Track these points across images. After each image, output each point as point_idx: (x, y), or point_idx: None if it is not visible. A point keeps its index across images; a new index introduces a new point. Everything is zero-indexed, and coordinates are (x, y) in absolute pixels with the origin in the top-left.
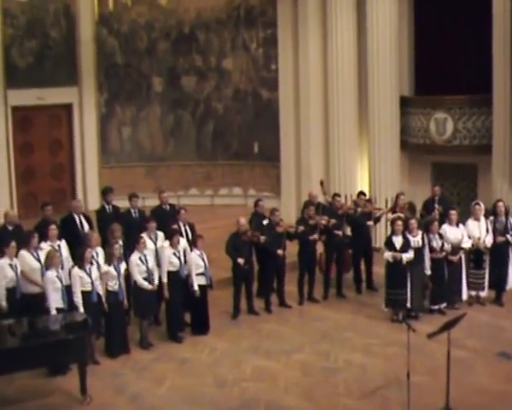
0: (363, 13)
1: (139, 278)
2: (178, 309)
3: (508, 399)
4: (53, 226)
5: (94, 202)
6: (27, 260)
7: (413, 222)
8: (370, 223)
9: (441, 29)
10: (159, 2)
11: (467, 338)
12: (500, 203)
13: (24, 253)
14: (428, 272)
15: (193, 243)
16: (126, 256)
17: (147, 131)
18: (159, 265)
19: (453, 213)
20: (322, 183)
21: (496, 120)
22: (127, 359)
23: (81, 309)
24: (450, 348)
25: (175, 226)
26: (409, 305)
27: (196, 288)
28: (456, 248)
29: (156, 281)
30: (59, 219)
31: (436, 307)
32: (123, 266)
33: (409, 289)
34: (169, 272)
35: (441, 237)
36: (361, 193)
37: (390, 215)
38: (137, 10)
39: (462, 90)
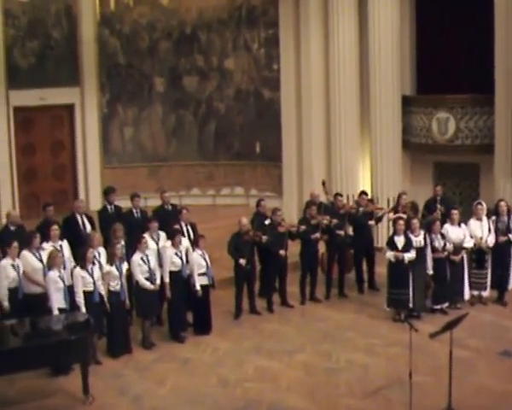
0: (364, 12)
1: (141, 278)
2: (180, 309)
3: (511, 399)
4: (55, 227)
5: (96, 203)
6: (29, 260)
7: (415, 222)
8: (372, 222)
9: (443, 28)
10: (160, 3)
11: (469, 338)
12: (502, 203)
13: (26, 253)
14: (430, 271)
15: (195, 243)
16: (128, 256)
17: (149, 131)
18: (161, 265)
19: (455, 213)
20: (323, 183)
21: (498, 119)
22: (129, 359)
23: (83, 309)
24: (453, 347)
25: (177, 226)
26: (411, 305)
27: (198, 288)
28: (459, 248)
29: (158, 281)
30: (61, 219)
31: (438, 306)
32: (125, 266)
33: (411, 289)
34: (171, 272)
35: (443, 236)
36: (363, 193)
37: (391, 215)
38: (139, 10)
39: (464, 90)
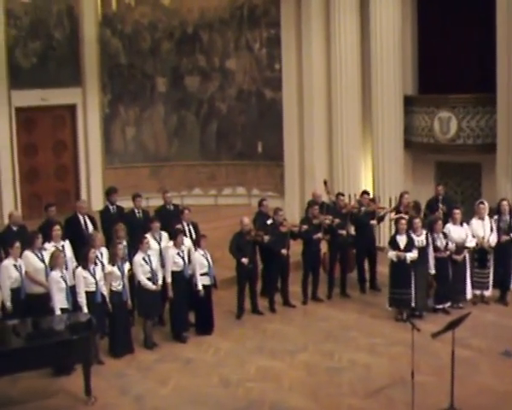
0: (366, 12)
1: (143, 278)
2: (182, 309)
3: None
4: (57, 227)
5: (98, 203)
6: (31, 260)
7: (417, 221)
8: (374, 222)
9: (445, 28)
10: (162, 3)
11: (471, 338)
12: (504, 202)
13: (28, 253)
14: (433, 271)
15: (196, 243)
16: (130, 256)
17: (150, 131)
18: (163, 265)
19: (457, 213)
20: (325, 182)
21: (500, 118)
22: (131, 359)
23: (85, 309)
24: (455, 347)
25: (179, 226)
26: (413, 304)
27: (200, 288)
28: (461, 248)
29: (160, 281)
30: (63, 219)
31: (440, 306)
32: (126, 266)
33: (413, 289)
34: (173, 272)
35: (445, 236)
36: (364, 192)
37: (393, 215)
38: (141, 11)
39: (466, 89)
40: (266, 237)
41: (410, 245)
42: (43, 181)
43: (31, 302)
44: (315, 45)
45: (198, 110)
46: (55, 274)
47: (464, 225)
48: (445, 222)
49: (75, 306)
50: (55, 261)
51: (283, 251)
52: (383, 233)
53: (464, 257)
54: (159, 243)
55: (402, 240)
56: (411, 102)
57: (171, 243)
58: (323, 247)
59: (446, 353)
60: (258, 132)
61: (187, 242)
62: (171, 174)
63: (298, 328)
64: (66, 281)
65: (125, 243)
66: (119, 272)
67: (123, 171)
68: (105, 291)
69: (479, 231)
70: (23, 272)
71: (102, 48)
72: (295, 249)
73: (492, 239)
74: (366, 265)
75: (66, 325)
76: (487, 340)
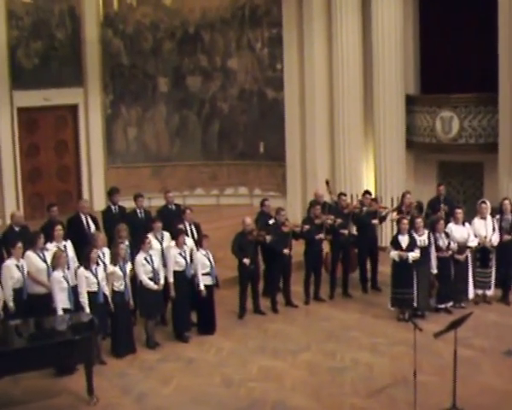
0: (368, 12)
1: (145, 278)
2: (185, 309)
3: None
4: (59, 227)
5: (100, 203)
6: (33, 260)
7: (419, 221)
8: (375, 221)
9: (446, 27)
10: (163, 3)
11: (473, 337)
12: (506, 201)
13: (30, 254)
14: (435, 271)
15: (198, 243)
16: (132, 256)
17: (152, 131)
18: (165, 265)
19: (459, 212)
20: (327, 182)
21: (502, 118)
22: (133, 359)
23: (87, 310)
24: (457, 347)
25: (181, 226)
26: (415, 304)
27: (202, 288)
28: (463, 247)
29: (162, 281)
30: (65, 219)
31: (442, 305)
32: (128, 266)
33: (415, 289)
34: (175, 272)
35: (447, 235)
36: (366, 192)
37: (394, 216)
38: (142, 11)
39: (467, 89)
40: (268, 237)
41: (412, 245)
42: (46, 181)
43: (33, 303)
44: (317, 45)
45: (200, 110)
46: (57, 274)
47: (466, 224)
48: (447, 222)
49: (77, 306)
50: (57, 261)
51: (285, 251)
52: (385, 233)
53: (466, 257)
54: (161, 243)
55: (404, 240)
56: (413, 101)
57: (173, 242)
58: (325, 247)
59: (448, 352)
60: (260, 132)
61: (189, 242)
62: (172, 174)
63: (300, 328)
64: (68, 281)
65: (127, 243)
66: (120, 272)
67: (125, 171)
68: (107, 291)
69: (481, 230)
70: (25, 272)
71: (104, 48)
72: (297, 249)
73: (494, 239)
74: (368, 265)
75: (68, 326)
76: (489, 340)
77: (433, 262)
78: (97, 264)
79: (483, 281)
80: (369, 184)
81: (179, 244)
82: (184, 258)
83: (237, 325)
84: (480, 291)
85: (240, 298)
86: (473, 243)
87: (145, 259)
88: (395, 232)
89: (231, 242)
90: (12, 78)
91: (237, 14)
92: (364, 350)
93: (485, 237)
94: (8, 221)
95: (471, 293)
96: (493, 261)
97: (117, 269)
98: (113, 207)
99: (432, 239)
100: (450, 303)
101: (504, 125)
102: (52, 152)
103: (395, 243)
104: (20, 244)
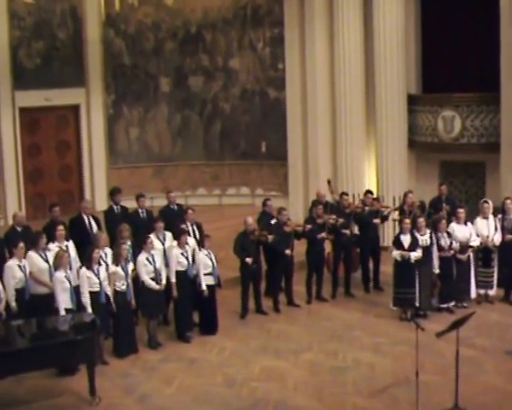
0: (369, 11)
1: (146, 278)
2: (187, 309)
3: None
4: (60, 227)
5: (102, 203)
6: (35, 260)
7: (421, 220)
8: (377, 221)
9: (448, 27)
10: (165, 3)
11: (476, 337)
12: (508, 201)
13: (32, 254)
14: (437, 270)
15: (200, 243)
16: (135, 256)
17: (154, 131)
18: (167, 265)
19: (461, 212)
20: (329, 182)
21: (504, 117)
22: (136, 359)
23: (89, 310)
24: (459, 346)
25: (183, 226)
26: (417, 304)
27: (204, 287)
28: (465, 247)
29: (164, 281)
30: (67, 219)
31: (444, 305)
32: (130, 266)
33: (417, 288)
34: (177, 272)
35: (449, 235)
36: (368, 192)
37: (396, 215)
38: (144, 11)
39: (469, 88)
40: (270, 237)
41: (414, 244)
42: (47, 181)
43: (35, 303)
44: (318, 44)
45: (201, 110)
46: (59, 274)
47: (468, 224)
48: (449, 221)
49: (79, 306)
50: (59, 262)
51: (287, 251)
52: (387, 233)
53: (468, 256)
54: (163, 243)
55: (406, 239)
56: (415, 101)
57: (175, 242)
58: (327, 246)
59: (451, 352)
60: (262, 132)
61: (191, 242)
62: (174, 174)
63: (302, 328)
64: (70, 281)
65: (129, 243)
66: (122, 273)
67: (127, 171)
68: (109, 291)
69: (483, 230)
70: (27, 272)
71: (106, 48)
72: (299, 249)
73: (497, 238)
74: (370, 264)
75: (70, 326)
76: (491, 339)
77: (435, 262)
78: (99, 264)
79: (485, 281)
80: (370, 183)
81: (181, 244)
82: (186, 258)
83: (239, 324)
84: (482, 291)
85: (242, 298)
86: (475, 242)
87: (147, 259)
88: (397, 232)
89: (233, 242)
90: (14, 78)
91: (239, 14)
92: (366, 350)
93: (488, 237)
94: (11, 221)
95: (473, 293)
96: (495, 261)
97: (119, 269)
98: (115, 208)
99: (434, 239)
100: (453, 303)
101: (506, 124)
102: (54, 152)
103: (397, 243)
104: (22, 244)
